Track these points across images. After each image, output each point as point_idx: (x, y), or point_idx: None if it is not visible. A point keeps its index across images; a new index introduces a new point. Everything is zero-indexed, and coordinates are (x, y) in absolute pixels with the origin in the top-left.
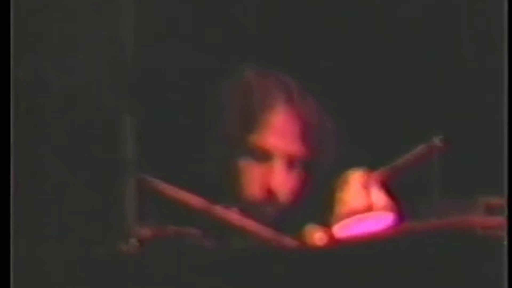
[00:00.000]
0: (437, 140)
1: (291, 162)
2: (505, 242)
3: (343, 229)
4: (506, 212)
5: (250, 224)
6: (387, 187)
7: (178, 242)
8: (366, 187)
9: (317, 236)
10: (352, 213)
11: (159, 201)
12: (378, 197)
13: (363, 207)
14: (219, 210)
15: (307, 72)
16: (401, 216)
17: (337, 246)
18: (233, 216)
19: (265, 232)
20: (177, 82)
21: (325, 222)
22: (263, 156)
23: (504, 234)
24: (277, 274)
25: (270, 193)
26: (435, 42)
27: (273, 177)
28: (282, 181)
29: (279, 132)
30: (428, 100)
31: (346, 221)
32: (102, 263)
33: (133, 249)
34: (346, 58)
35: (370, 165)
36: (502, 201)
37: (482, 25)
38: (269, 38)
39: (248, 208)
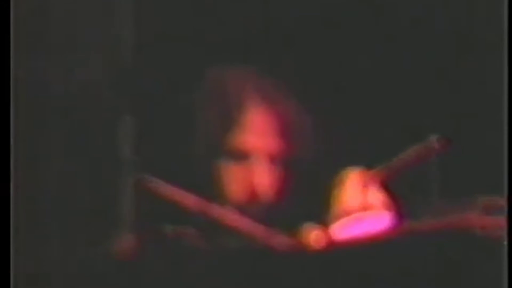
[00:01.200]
0: (434, 140)
1: (271, 160)
2: (505, 242)
3: (341, 228)
4: (506, 212)
5: (247, 224)
6: (386, 187)
7: (175, 242)
8: (364, 186)
9: (314, 235)
10: (350, 212)
11: (157, 201)
12: (376, 196)
13: (361, 206)
14: (215, 210)
15: (306, 71)
16: (399, 215)
17: (335, 246)
18: (230, 216)
19: (262, 232)
20: (168, 82)
21: (323, 221)
22: (243, 156)
23: (504, 234)
24: (273, 275)
25: (252, 193)
26: (435, 41)
27: (254, 177)
28: (263, 179)
29: (256, 131)
30: (427, 99)
31: (344, 220)
32: (101, 263)
33: (131, 249)
34: (345, 57)
35: (368, 164)
36: (502, 201)
37: (482, 25)
38: (269, 37)
39: (233, 209)
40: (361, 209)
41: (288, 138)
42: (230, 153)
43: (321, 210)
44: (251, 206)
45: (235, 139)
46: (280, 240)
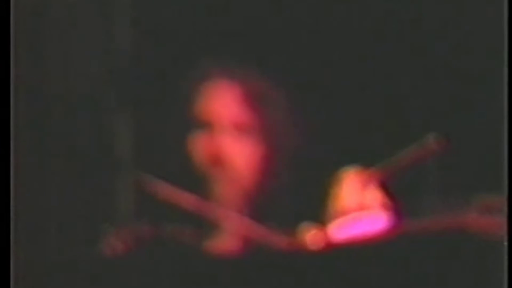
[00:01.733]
0: (433, 139)
1: (237, 130)
2: (505, 242)
3: (338, 228)
4: (506, 212)
5: (245, 224)
6: (384, 186)
7: (174, 241)
8: (362, 185)
9: (311, 235)
10: (348, 212)
11: (156, 200)
12: (375, 196)
13: (358, 206)
14: (214, 209)
15: (305, 70)
16: (398, 215)
17: (332, 246)
18: (227, 215)
19: (259, 231)
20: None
21: (320, 221)
22: (208, 126)
23: (504, 234)
24: (271, 274)
25: (219, 162)
26: (434, 40)
27: (221, 146)
28: (230, 149)
29: (220, 101)
30: (426, 98)
31: (342, 220)
32: (99, 262)
33: (129, 248)
34: (345, 57)
35: (367, 164)
36: (501, 200)
37: (482, 25)
38: (270, 37)
39: (198, 182)
40: (359, 209)
41: (254, 108)
42: (197, 124)
43: (318, 210)
44: (218, 173)
45: (201, 110)
46: (277, 239)
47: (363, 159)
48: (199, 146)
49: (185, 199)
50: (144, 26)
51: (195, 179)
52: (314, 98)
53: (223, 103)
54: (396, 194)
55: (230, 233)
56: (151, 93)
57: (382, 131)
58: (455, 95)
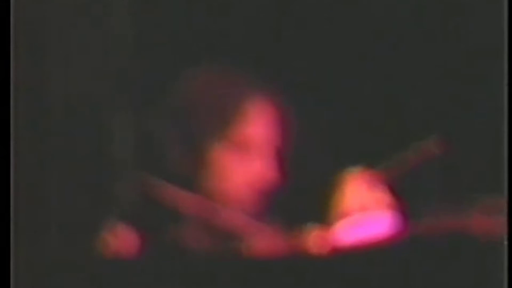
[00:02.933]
0: (434, 140)
1: (270, 151)
2: (505, 242)
3: (342, 229)
4: (506, 212)
5: (248, 225)
6: (387, 187)
7: (175, 242)
8: (366, 186)
9: (314, 236)
10: (351, 213)
11: (157, 200)
12: (378, 196)
13: (362, 207)
14: (217, 210)
15: (305, 69)
16: (401, 215)
17: (335, 248)
18: (231, 216)
19: (264, 232)
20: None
21: (324, 222)
22: (242, 146)
23: (504, 234)
24: (273, 276)
25: (253, 185)
26: (434, 40)
27: (254, 168)
28: (263, 171)
29: (256, 121)
30: (427, 99)
31: (345, 221)
32: (100, 263)
33: (130, 249)
34: (346, 57)
35: (369, 164)
36: (502, 201)
37: (482, 25)
38: (269, 35)
39: (233, 203)
40: (362, 210)
41: (285, 129)
42: (230, 145)
43: (322, 211)
44: (251, 198)
45: (234, 130)
46: (280, 241)
47: (366, 159)
48: (232, 166)
49: (187, 199)
50: (144, 26)
51: (195, 179)
52: (317, 99)
53: (260, 124)
54: (398, 195)
55: (234, 234)
56: (151, 93)
57: (385, 131)
58: (455, 95)
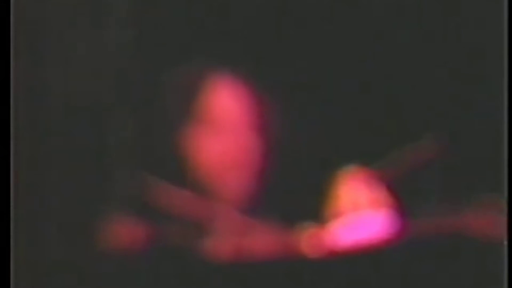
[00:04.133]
0: (432, 139)
1: (240, 128)
2: (505, 242)
3: (338, 228)
4: (506, 212)
5: (245, 223)
6: (384, 185)
7: (173, 241)
8: (362, 184)
9: (309, 235)
10: (348, 212)
11: (155, 199)
12: (374, 195)
13: (357, 205)
14: (213, 208)
15: (301, 68)
16: (400, 215)
17: (331, 247)
18: (227, 214)
19: (261, 231)
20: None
21: (319, 221)
22: (213, 124)
23: (504, 234)
24: (268, 274)
25: (223, 160)
26: (434, 40)
27: (224, 144)
28: (233, 146)
29: (224, 98)
30: (426, 98)
31: (341, 220)
32: (100, 262)
33: (130, 249)
34: (345, 57)
35: (366, 163)
36: (502, 201)
37: (482, 25)
38: (269, 35)
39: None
40: (357, 209)
41: (257, 107)
42: (198, 122)
43: (318, 209)
44: (229, 172)
45: (203, 107)
46: (275, 240)
47: (363, 158)
48: (202, 144)
49: (184, 198)
50: (144, 26)
51: (195, 179)
52: (314, 97)
53: (227, 100)
54: (396, 194)
55: (229, 233)
56: (151, 93)
57: (382, 130)
58: (455, 95)
